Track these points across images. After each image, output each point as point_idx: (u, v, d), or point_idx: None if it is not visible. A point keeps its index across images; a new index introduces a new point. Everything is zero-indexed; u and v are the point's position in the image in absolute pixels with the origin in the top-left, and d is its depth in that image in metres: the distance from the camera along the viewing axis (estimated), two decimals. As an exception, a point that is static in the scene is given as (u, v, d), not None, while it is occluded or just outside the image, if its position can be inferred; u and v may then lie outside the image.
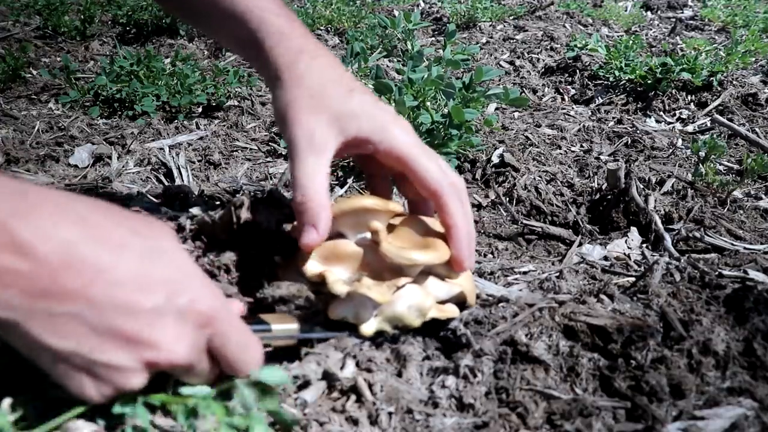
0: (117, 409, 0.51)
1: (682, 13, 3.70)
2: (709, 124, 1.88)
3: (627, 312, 0.73)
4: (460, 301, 0.73)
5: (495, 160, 1.45)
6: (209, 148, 1.53)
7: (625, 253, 1.06)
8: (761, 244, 1.08)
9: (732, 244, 1.07)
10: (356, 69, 1.77)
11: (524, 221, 1.23)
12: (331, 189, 1.34)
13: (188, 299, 0.51)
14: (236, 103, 1.86)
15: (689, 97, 2.07)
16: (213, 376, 0.56)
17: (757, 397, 0.61)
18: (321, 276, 0.66)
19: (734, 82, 2.10)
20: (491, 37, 2.88)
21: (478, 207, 1.31)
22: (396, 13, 3.23)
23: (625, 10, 3.64)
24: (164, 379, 0.54)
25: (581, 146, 1.67)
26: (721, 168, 1.51)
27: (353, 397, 0.62)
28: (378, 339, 0.69)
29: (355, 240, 0.72)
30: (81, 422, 0.53)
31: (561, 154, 1.57)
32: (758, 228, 1.18)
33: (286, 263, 0.72)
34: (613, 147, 1.66)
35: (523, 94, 2.13)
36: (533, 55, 2.56)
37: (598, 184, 1.36)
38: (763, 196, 1.33)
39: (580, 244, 1.14)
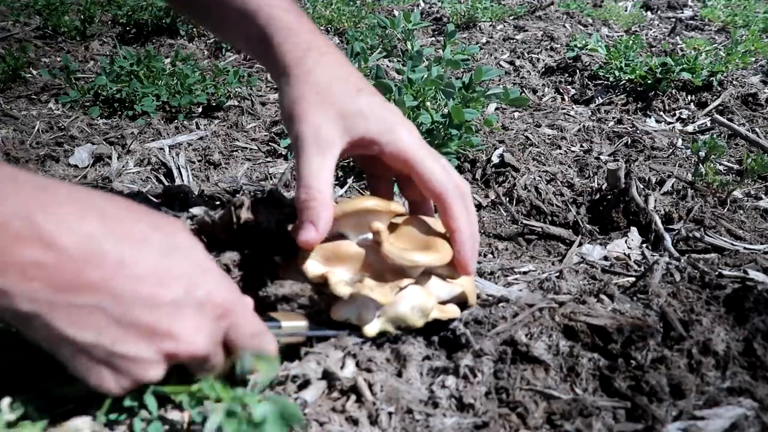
0: (127, 402, 0.53)
1: (682, 13, 3.70)
2: (709, 124, 1.88)
3: (627, 312, 0.73)
4: (462, 301, 0.73)
5: (495, 160, 1.45)
6: (209, 148, 1.53)
7: (625, 253, 1.06)
8: (761, 244, 1.08)
9: (732, 244, 1.07)
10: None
11: (524, 221, 1.23)
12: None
13: (206, 292, 0.52)
14: (236, 103, 1.86)
15: (689, 97, 2.07)
16: (225, 372, 0.57)
17: (757, 397, 0.61)
18: (323, 277, 0.66)
19: (734, 82, 2.10)
20: (491, 37, 2.88)
21: (478, 207, 1.31)
22: (396, 13, 3.23)
23: (625, 10, 3.64)
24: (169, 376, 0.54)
25: (581, 146, 1.67)
26: (721, 168, 1.51)
27: (353, 397, 0.62)
28: (378, 339, 0.69)
29: (357, 241, 0.72)
30: (81, 421, 0.53)
31: (561, 154, 1.57)
32: (758, 228, 1.18)
33: (287, 263, 0.72)
34: (613, 147, 1.66)
35: (523, 94, 2.13)
36: (533, 55, 2.56)
37: (598, 184, 1.36)
38: (763, 196, 1.33)
39: (580, 244, 1.14)
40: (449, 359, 0.67)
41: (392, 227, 0.73)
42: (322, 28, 2.94)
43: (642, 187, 1.27)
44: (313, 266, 0.67)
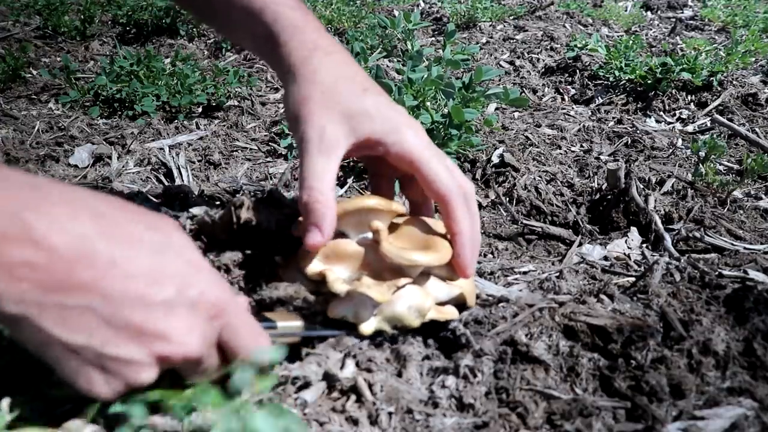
0: (115, 408, 0.51)
1: (682, 13, 3.70)
2: (709, 124, 1.88)
3: (627, 312, 0.73)
4: (460, 303, 0.73)
5: (495, 160, 1.45)
6: (209, 148, 1.53)
7: (625, 253, 1.06)
8: (761, 244, 1.08)
9: (732, 244, 1.07)
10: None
11: (524, 221, 1.23)
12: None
13: (198, 292, 0.52)
14: (236, 103, 1.86)
15: (689, 97, 2.07)
16: (219, 375, 0.56)
17: (757, 397, 0.61)
18: (321, 274, 0.66)
19: (734, 82, 2.10)
20: (491, 37, 2.88)
21: (478, 207, 1.31)
22: (396, 13, 3.23)
23: (625, 10, 3.64)
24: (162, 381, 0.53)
25: (581, 146, 1.67)
26: (721, 168, 1.51)
27: (353, 397, 0.62)
28: (378, 339, 0.69)
29: (357, 239, 0.72)
30: (80, 422, 0.53)
31: (561, 154, 1.57)
32: (758, 228, 1.18)
33: (287, 263, 0.72)
34: (613, 147, 1.66)
35: (523, 94, 2.13)
36: (533, 55, 2.56)
37: (598, 184, 1.36)
38: (763, 196, 1.33)
39: (580, 244, 1.14)
40: (449, 359, 0.67)
41: (392, 227, 0.73)
42: (322, 28, 2.93)
43: (642, 187, 1.27)
44: (312, 264, 0.67)
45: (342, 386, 0.62)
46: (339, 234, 0.71)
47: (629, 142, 1.69)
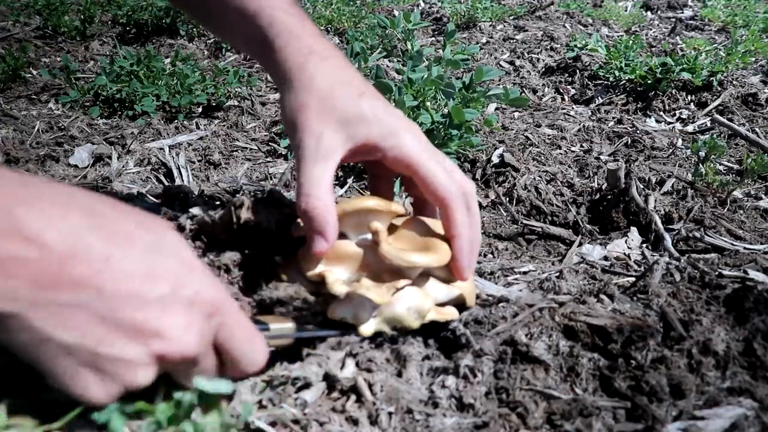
0: (94, 416, 0.49)
1: (682, 13, 3.70)
2: (709, 124, 1.88)
3: (627, 312, 0.73)
4: (460, 304, 0.73)
5: (495, 160, 1.45)
6: (209, 148, 1.53)
7: (625, 253, 1.06)
8: (761, 244, 1.08)
9: (732, 244, 1.07)
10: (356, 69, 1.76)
11: (524, 221, 1.23)
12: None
13: (194, 290, 0.51)
14: (236, 103, 1.86)
15: (689, 97, 2.07)
16: (214, 374, 0.55)
17: (757, 397, 0.61)
18: (320, 276, 0.66)
19: (734, 82, 2.10)
20: (491, 37, 2.88)
21: (478, 207, 1.31)
22: (396, 13, 3.23)
23: (625, 10, 3.64)
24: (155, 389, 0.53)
25: (581, 146, 1.67)
26: (721, 168, 1.51)
27: (353, 397, 0.62)
28: (378, 339, 0.69)
29: (356, 241, 0.72)
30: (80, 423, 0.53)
31: (561, 154, 1.57)
32: (758, 228, 1.18)
33: (287, 263, 0.72)
34: (613, 147, 1.66)
35: (523, 94, 2.13)
36: (533, 55, 2.56)
37: (598, 184, 1.36)
38: (763, 196, 1.33)
39: (580, 244, 1.14)
40: (449, 359, 0.67)
41: (392, 228, 0.73)
42: (322, 28, 2.94)
43: (642, 187, 1.27)
44: (312, 265, 0.67)
45: (342, 386, 0.62)
46: (338, 235, 0.71)
47: (629, 142, 1.69)
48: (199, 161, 1.48)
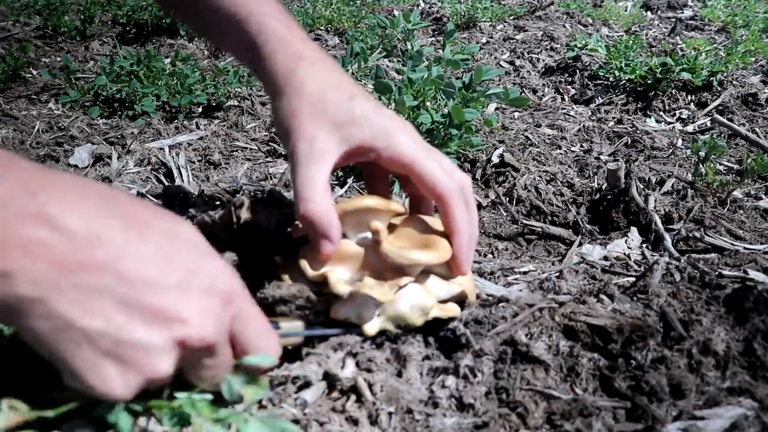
0: (99, 413, 0.49)
1: (682, 13, 3.70)
2: (709, 124, 1.88)
3: (627, 312, 0.73)
4: (461, 300, 0.73)
5: (495, 160, 1.45)
6: (209, 148, 1.53)
7: (625, 253, 1.06)
8: (761, 244, 1.08)
9: (732, 244, 1.07)
10: (356, 69, 1.77)
11: (524, 221, 1.23)
12: (331, 189, 1.34)
13: (210, 278, 0.51)
14: (236, 103, 1.86)
15: (689, 97, 2.07)
16: (229, 370, 0.55)
17: (757, 397, 0.61)
18: (323, 276, 0.66)
19: (734, 82, 2.10)
20: (491, 37, 2.88)
21: (478, 207, 1.31)
22: (396, 13, 3.23)
23: (625, 10, 3.64)
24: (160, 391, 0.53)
25: (581, 146, 1.67)
26: (721, 168, 1.51)
27: (353, 397, 0.62)
28: (378, 339, 0.69)
29: (356, 240, 0.72)
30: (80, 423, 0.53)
31: (561, 154, 1.57)
32: (758, 228, 1.18)
33: (286, 263, 0.72)
34: (613, 147, 1.66)
35: (523, 94, 2.13)
36: (533, 55, 2.56)
37: (598, 184, 1.36)
38: (763, 196, 1.33)
39: (580, 244, 1.14)
40: (449, 359, 0.67)
41: (391, 227, 0.73)
42: (322, 28, 2.94)
43: (642, 187, 1.27)
44: (313, 265, 0.67)
45: (342, 386, 0.62)
46: (339, 234, 0.71)
47: (629, 142, 1.69)
48: (199, 161, 1.48)
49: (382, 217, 0.71)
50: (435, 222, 0.74)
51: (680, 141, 1.72)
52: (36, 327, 0.45)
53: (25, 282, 0.44)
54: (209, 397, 0.54)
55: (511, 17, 3.24)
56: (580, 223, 1.22)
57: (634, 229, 1.14)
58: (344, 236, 0.72)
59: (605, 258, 1.05)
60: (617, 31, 3.17)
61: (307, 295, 0.67)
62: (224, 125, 1.72)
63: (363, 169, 0.82)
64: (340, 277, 0.66)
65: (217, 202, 1.12)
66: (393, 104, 1.30)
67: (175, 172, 1.40)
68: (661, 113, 2.01)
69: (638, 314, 0.72)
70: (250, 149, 1.58)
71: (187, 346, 0.49)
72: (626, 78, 2.14)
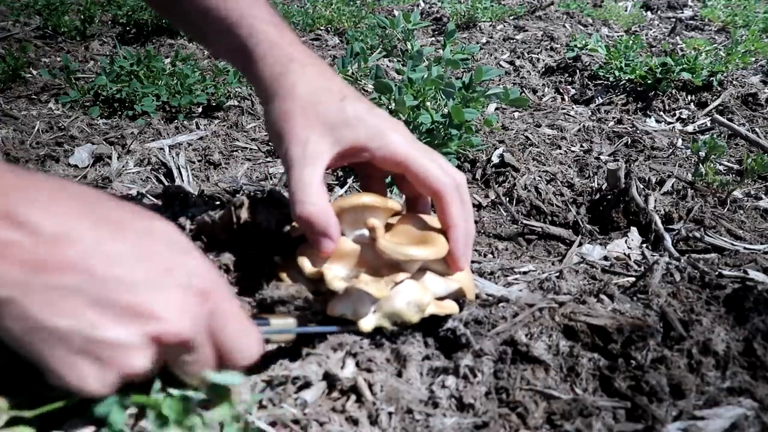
0: (94, 410, 0.49)
1: (682, 13, 3.70)
2: (709, 124, 1.88)
3: (627, 312, 0.73)
4: (459, 297, 0.73)
5: (495, 160, 1.45)
6: (209, 148, 1.53)
7: (625, 253, 1.06)
8: (761, 244, 1.08)
9: (732, 244, 1.07)
10: (356, 69, 1.77)
11: (524, 221, 1.23)
12: (331, 189, 1.34)
13: (187, 273, 0.51)
14: (236, 103, 1.86)
15: (689, 97, 2.07)
16: (211, 367, 0.54)
17: (757, 397, 0.61)
18: (319, 273, 0.66)
19: (734, 82, 2.10)
20: (491, 37, 2.88)
21: (478, 207, 1.31)
22: (396, 13, 3.23)
23: (625, 10, 3.64)
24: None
25: (581, 146, 1.67)
26: (721, 168, 1.51)
27: (353, 397, 0.62)
28: (378, 338, 0.69)
29: (353, 237, 0.72)
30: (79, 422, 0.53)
31: (561, 154, 1.57)
32: (758, 228, 1.18)
33: (286, 263, 0.72)
34: (613, 147, 1.66)
35: (523, 94, 2.13)
36: (533, 55, 2.56)
37: (598, 184, 1.36)
38: (763, 196, 1.33)
39: (580, 244, 1.14)
40: (449, 359, 0.67)
41: (388, 226, 0.73)
42: (322, 28, 2.94)
43: (642, 187, 1.27)
44: (309, 263, 0.67)
45: (342, 386, 0.62)
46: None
47: (629, 142, 1.69)
48: (199, 161, 1.48)
49: (379, 214, 0.71)
50: (432, 220, 0.74)
51: (680, 141, 1.72)
52: (10, 328, 0.46)
53: None
54: (201, 396, 0.54)
55: (511, 17, 3.24)
56: (580, 223, 1.22)
57: (634, 229, 1.14)
58: (341, 233, 0.72)
59: (605, 258, 1.05)
60: (617, 31, 3.17)
61: (305, 296, 0.67)
62: (224, 125, 1.72)
63: (357, 170, 0.82)
64: (336, 274, 0.66)
65: (217, 202, 1.12)
66: (393, 104, 1.30)
67: (175, 172, 1.40)
68: (661, 113, 2.01)
69: (638, 314, 0.72)
70: (250, 149, 1.58)
71: (164, 342, 0.49)
72: (626, 78, 2.14)
